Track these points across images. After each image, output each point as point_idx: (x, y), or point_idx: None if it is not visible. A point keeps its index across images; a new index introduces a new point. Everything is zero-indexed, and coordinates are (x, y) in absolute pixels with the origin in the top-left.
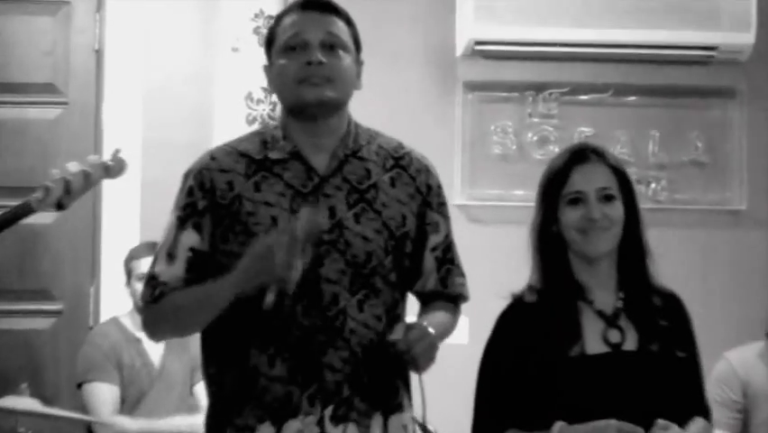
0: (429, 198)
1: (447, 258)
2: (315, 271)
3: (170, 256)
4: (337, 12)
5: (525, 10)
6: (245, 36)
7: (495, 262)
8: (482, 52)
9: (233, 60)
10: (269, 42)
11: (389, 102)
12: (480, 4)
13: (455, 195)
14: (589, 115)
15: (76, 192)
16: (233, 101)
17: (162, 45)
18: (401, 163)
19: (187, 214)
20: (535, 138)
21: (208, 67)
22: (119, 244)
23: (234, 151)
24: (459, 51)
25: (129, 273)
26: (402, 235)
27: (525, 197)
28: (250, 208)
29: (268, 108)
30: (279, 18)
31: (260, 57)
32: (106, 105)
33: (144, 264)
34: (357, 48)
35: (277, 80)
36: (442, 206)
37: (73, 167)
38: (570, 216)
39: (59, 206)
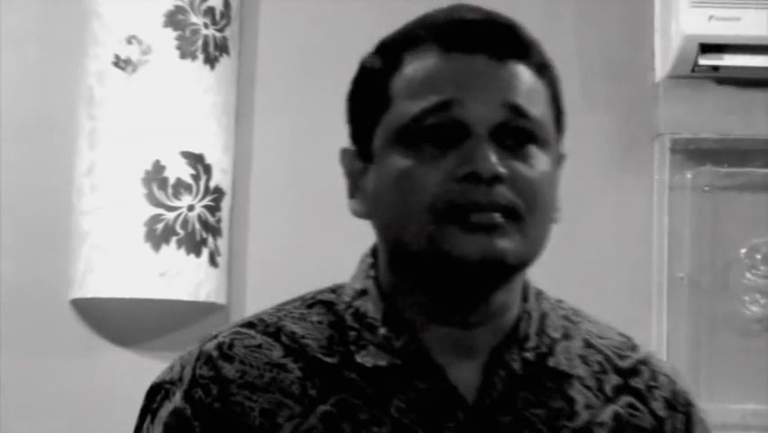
0: None
1: None
2: None
3: None
4: (530, 54)
5: None
6: (147, 32)
7: None
8: (716, 72)
9: (118, 89)
10: (369, 101)
11: None
12: None
13: None
14: None
15: None
16: (117, 184)
17: None
18: (633, 384)
19: None
20: None
21: (57, 104)
22: None
23: (273, 343)
24: (660, 70)
25: None
26: None
27: None
28: None
29: (200, 205)
30: (398, 52)
31: (180, 83)
32: None
33: None
34: (560, 131)
35: (381, 201)
36: None
37: None
38: None
39: None
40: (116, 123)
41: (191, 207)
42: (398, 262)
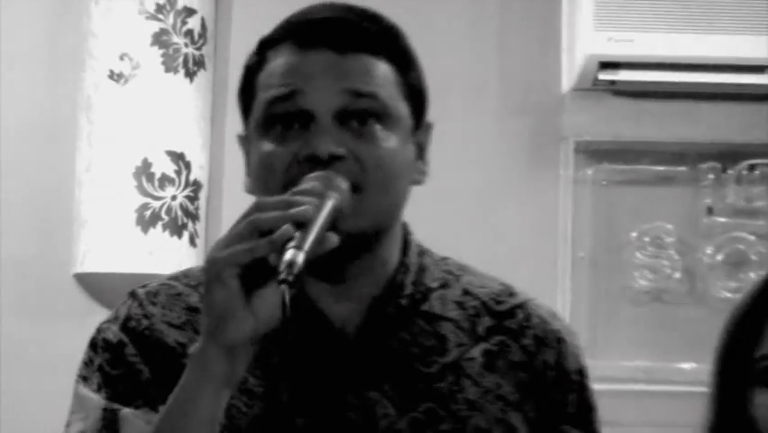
0: (562, 396)
1: None
2: None
3: None
4: (374, 44)
5: (698, 5)
6: (136, 50)
7: None
8: (612, 85)
9: (112, 98)
10: (247, 93)
11: (432, 182)
12: None
13: None
14: None
15: None
16: (112, 177)
17: None
18: (507, 325)
19: (124, 389)
20: (721, 256)
21: (61, 110)
22: None
23: (192, 292)
24: (566, 83)
25: None
26: None
27: (699, 375)
28: None
29: (181, 195)
30: (264, 50)
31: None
32: None
33: None
34: (417, 105)
35: (255, 179)
36: (586, 412)
37: None
38: (761, 404)
39: None
40: (111, 126)
41: (174, 197)
42: None
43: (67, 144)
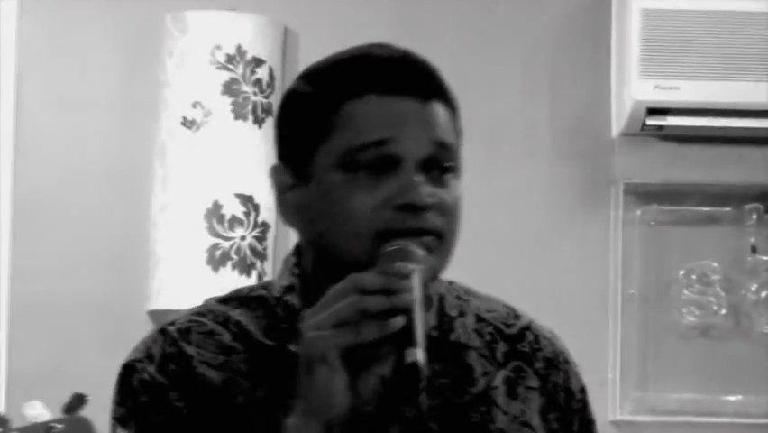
0: (570, 415)
1: None
2: None
3: None
4: (441, 89)
5: (740, 55)
6: (208, 98)
7: None
8: (660, 130)
9: (185, 144)
10: (312, 130)
11: (488, 223)
12: (653, 46)
13: (609, 403)
14: None
15: None
16: (185, 219)
17: (47, 120)
18: (520, 348)
19: (163, 424)
20: (765, 293)
21: (137, 155)
22: None
23: (222, 330)
24: (616, 128)
25: None
26: None
27: (745, 407)
28: None
29: (250, 236)
30: (336, 86)
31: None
32: None
33: None
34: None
35: (319, 216)
36: (588, 426)
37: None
38: None
39: None
40: (183, 170)
41: (243, 238)
42: (329, 266)
43: (142, 187)
